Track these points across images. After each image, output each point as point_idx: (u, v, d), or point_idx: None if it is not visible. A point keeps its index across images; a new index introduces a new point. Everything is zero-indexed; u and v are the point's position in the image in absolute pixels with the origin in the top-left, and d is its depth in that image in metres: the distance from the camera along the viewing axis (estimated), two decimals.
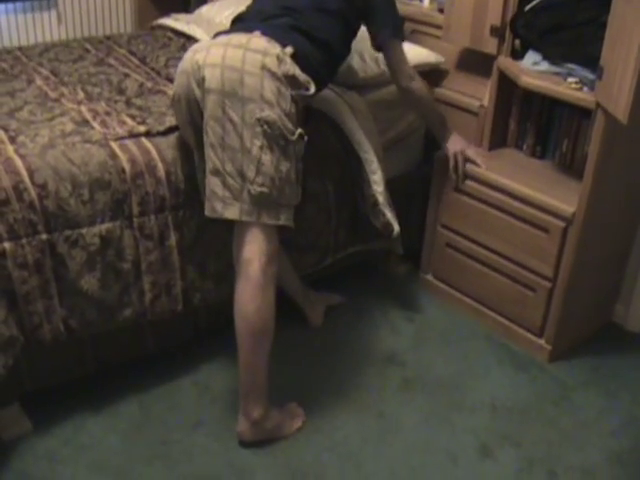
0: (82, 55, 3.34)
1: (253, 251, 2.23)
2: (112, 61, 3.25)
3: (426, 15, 3.23)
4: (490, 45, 2.85)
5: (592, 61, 2.45)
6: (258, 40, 2.22)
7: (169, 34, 3.67)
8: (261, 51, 2.18)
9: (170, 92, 2.80)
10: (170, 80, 2.97)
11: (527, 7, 2.71)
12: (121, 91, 2.86)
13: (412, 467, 2.36)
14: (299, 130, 2.22)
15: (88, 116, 2.58)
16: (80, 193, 2.24)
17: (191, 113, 2.28)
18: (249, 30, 2.29)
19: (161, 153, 2.41)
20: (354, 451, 2.41)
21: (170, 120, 2.54)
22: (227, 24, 3.49)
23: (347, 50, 2.60)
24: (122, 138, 2.42)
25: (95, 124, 2.51)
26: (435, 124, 2.89)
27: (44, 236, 2.19)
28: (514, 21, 2.75)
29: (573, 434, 2.53)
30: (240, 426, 2.37)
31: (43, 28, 4.33)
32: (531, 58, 2.74)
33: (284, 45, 2.24)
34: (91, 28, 4.49)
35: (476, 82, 3.02)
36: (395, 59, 2.62)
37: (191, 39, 3.50)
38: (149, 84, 2.94)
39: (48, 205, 2.19)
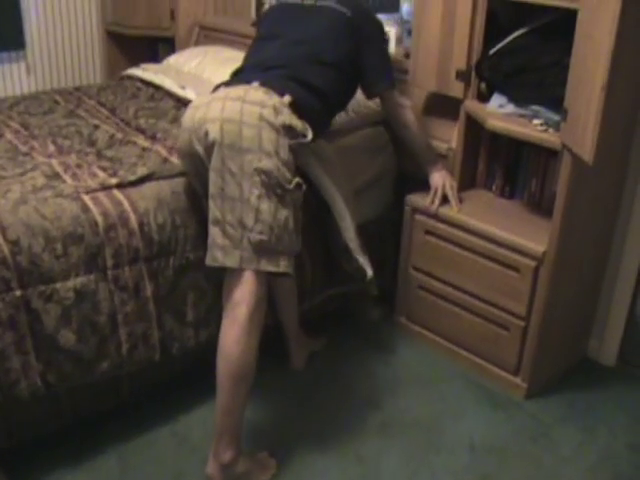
0: (52, 107, 3.35)
1: (243, 294, 2.25)
2: (82, 113, 3.26)
3: (393, 60, 3.25)
4: (456, 89, 2.89)
5: (557, 103, 2.50)
6: (255, 92, 2.29)
7: (138, 84, 3.69)
8: (258, 103, 2.24)
9: (140, 143, 2.84)
10: (140, 131, 2.99)
11: (491, 51, 2.76)
12: (92, 143, 2.87)
13: None
14: (296, 179, 2.27)
15: (59, 169, 2.58)
16: (53, 248, 2.24)
17: (196, 167, 2.38)
18: (248, 81, 2.38)
19: (133, 204, 2.42)
20: None
21: (142, 170, 2.55)
22: (195, 73, 3.58)
23: (344, 100, 2.73)
24: (94, 191, 2.42)
25: (66, 177, 2.51)
26: (426, 156, 2.97)
27: (18, 292, 2.18)
28: (479, 65, 2.80)
29: (552, 470, 2.53)
30: (209, 468, 2.35)
31: (12, 80, 4.34)
32: (497, 101, 2.79)
33: (282, 94, 2.32)
34: (60, 79, 4.50)
35: (444, 125, 3.06)
36: (393, 104, 2.85)
37: (160, 89, 3.53)
38: (119, 135, 2.95)
39: (21, 261, 2.18)
